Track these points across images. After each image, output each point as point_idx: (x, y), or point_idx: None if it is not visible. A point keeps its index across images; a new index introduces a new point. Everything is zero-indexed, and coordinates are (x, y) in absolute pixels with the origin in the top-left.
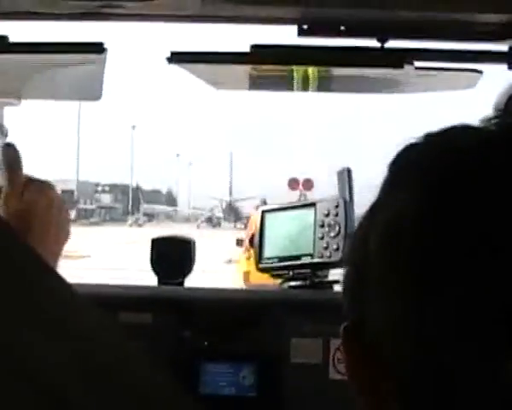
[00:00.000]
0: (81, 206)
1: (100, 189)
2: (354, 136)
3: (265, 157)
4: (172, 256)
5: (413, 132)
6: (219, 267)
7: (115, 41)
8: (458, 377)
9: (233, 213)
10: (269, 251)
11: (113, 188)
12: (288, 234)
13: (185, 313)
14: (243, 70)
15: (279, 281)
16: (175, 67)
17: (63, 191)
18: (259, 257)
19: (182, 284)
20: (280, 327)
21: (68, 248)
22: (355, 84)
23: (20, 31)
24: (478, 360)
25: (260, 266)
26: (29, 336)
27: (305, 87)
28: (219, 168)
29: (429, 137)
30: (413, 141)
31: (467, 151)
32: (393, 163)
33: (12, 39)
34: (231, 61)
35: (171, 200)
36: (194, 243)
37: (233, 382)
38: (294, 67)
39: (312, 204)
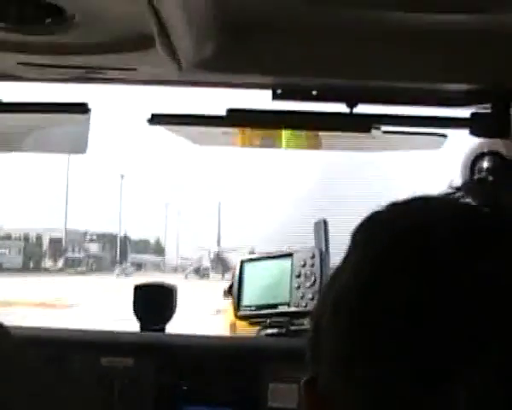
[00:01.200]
0: (69, 255)
1: (88, 238)
2: (333, 190)
3: (253, 208)
4: (154, 303)
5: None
6: (207, 318)
7: (101, 100)
8: None
9: (221, 263)
10: (247, 299)
11: (102, 237)
12: (266, 283)
13: (165, 359)
14: (223, 129)
15: (257, 328)
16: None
17: (52, 240)
18: (238, 305)
19: (163, 330)
20: (258, 373)
21: (54, 297)
22: (329, 142)
23: (5, 89)
24: None
25: (239, 313)
26: None
27: (289, 145)
28: (208, 218)
29: (391, 208)
30: (378, 209)
31: (417, 229)
32: (356, 231)
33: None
34: (208, 123)
35: (159, 250)
36: (175, 290)
37: None
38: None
39: (289, 254)
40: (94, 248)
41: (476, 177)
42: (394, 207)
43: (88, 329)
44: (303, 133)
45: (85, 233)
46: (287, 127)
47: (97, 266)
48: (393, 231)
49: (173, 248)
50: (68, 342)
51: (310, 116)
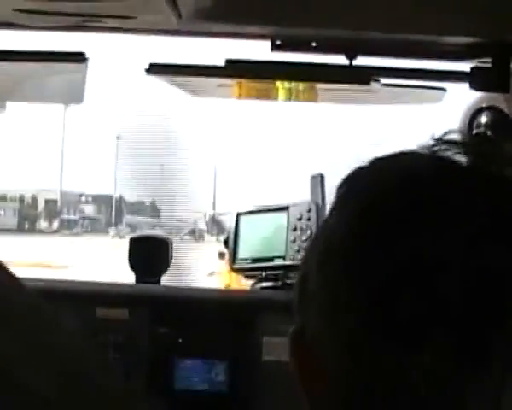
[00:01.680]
0: (64, 216)
1: (83, 199)
2: (329, 143)
3: (249, 169)
4: (149, 255)
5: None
6: (201, 279)
7: (97, 51)
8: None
9: (216, 226)
10: (242, 252)
11: (97, 199)
12: (262, 236)
13: (160, 311)
14: (220, 80)
15: (252, 282)
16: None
17: (47, 201)
18: (233, 258)
19: (158, 282)
20: (252, 326)
21: (49, 258)
22: (326, 95)
23: (2, 38)
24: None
25: (234, 266)
26: None
27: (286, 97)
28: (203, 181)
29: (375, 162)
30: (361, 165)
31: (401, 180)
32: (340, 186)
33: None
34: (206, 74)
35: (154, 212)
36: (171, 242)
37: (206, 378)
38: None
39: (285, 208)
40: (89, 209)
41: (475, 132)
42: (378, 162)
43: (83, 281)
44: (300, 86)
45: (81, 195)
46: (285, 79)
47: (92, 227)
48: (378, 184)
49: (168, 210)
50: (63, 294)
51: (309, 68)
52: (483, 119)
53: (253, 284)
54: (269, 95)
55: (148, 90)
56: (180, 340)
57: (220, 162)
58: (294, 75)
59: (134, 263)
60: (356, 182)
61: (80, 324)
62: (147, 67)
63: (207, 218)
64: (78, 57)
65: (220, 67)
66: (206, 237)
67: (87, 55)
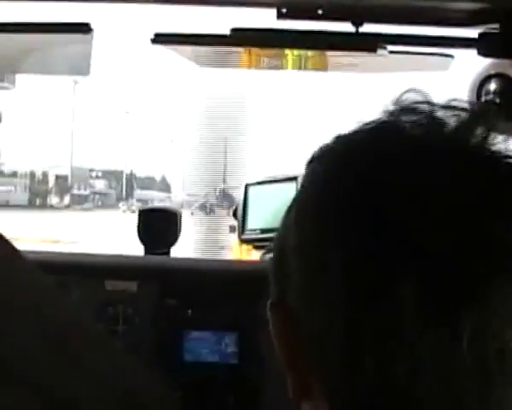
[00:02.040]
0: (75, 191)
1: (94, 174)
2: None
3: (260, 143)
4: (159, 227)
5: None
6: (212, 254)
7: (103, 23)
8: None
9: (227, 200)
10: (251, 223)
11: (107, 174)
12: (271, 207)
13: (170, 282)
14: (228, 49)
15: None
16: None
17: (57, 177)
18: (242, 228)
19: (168, 254)
20: (261, 297)
21: (59, 233)
22: (336, 63)
23: (6, 11)
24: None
25: (243, 237)
26: None
27: (296, 66)
28: (214, 154)
29: (339, 139)
30: (325, 143)
31: (366, 149)
32: (308, 163)
33: (1, 20)
34: (211, 42)
35: (165, 186)
36: (180, 214)
37: (215, 349)
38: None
39: (294, 178)
40: (100, 185)
41: (483, 99)
42: (342, 139)
43: (92, 253)
44: (309, 54)
45: (91, 170)
46: (291, 47)
47: (103, 202)
48: (343, 152)
49: (179, 185)
50: (72, 267)
51: (315, 35)
52: (491, 86)
53: (263, 255)
54: (278, 64)
55: (157, 62)
56: (189, 312)
57: (231, 135)
58: (300, 43)
59: (143, 235)
60: (323, 159)
61: (90, 296)
62: (152, 36)
63: (218, 192)
64: (83, 28)
65: (225, 36)
66: (217, 210)
67: (92, 26)
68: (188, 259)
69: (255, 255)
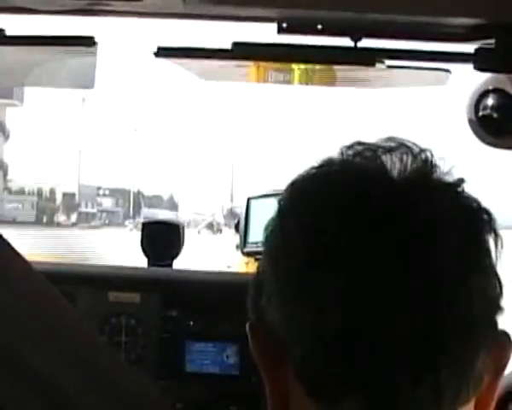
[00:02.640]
0: (83, 209)
1: (101, 192)
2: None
3: (267, 160)
4: (162, 239)
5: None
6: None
7: (108, 36)
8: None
9: (234, 218)
10: (253, 236)
11: (115, 192)
12: None
13: (172, 294)
14: (234, 63)
15: None
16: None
17: (65, 195)
18: (244, 241)
19: (170, 265)
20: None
21: (66, 250)
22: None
23: (12, 24)
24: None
25: (245, 249)
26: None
27: (303, 80)
28: (221, 173)
29: (306, 173)
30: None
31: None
32: (283, 195)
33: (7, 32)
34: (214, 56)
35: (172, 205)
36: (183, 226)
37: (217, 360)
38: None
39: None
40: (107, 202)
41: (481, 114)
42: (313, 171)
43: (96, 264)
44: (317, 68)
45: (99, 188)
46: (292, 61)
47: (110, 220)
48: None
49: (187, 203)
50: (76, 277)
51: (314, 50)
52: (489, 101)
53: None
54: (284, 79)
55: (166, 81)
56: (191, 323)
57: (238, 154)
58: (300, 57)
59: (146, 247)
60: (295, 191)
61: (93, 307)
62: (155, 50)
63: (225, 211)
64: (88, 41)
65: (227, 50)
66: (224, 229)
67: (96, 40)
68: (190, 271)
69: None
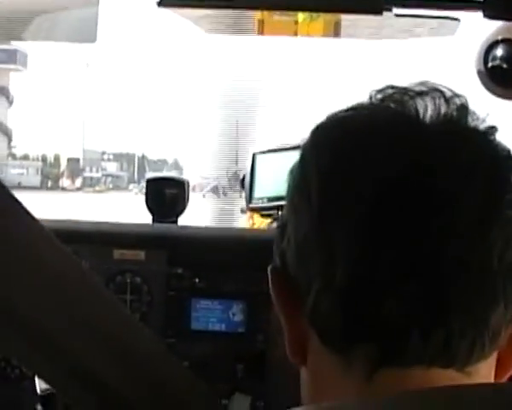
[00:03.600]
0: (87, 174)
1: (106, 157)
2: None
3: (271, 122)
4: (166, 195)
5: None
6: None
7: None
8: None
9: (239, 182)
10: (258, 191)
11: (119, 157)
12: (277, 175)
13: (177, 251)
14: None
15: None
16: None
17: (69, 159)
18: (249, 197)
19: (175, 222)
20: (269, 265)
21: (70, 214)
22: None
23: None
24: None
25: (250, 205)
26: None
27: (306, 32)
28: (225, 137)
29: (332, 117)
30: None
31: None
32: (309, 136)
33: None
34: (219, 5)
35: (177, 169)
36: (187, 182)
37: (223, 318)
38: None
39: (300, 146)
40: (112, 167)
41: (490, 65)
42: (338, 116)
43: (100, 221)
44: (319, 20)
45: (103, 153)
46: (297, 9)
47: (115, 184)
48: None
49: (192, 168)
50: (80, 235)
51: None
52: (498, 51)
53: (270, 223)
54: (287, 30)
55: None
56: (197, 280)
57: (241, 115)
58: (305, 6)
59: (151, 204)
60: (319, 135)
61: (97, 265)
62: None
63: (230, 174)
64: None
65: None
66: (229, 193)
67: None
68: (195, 227)
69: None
